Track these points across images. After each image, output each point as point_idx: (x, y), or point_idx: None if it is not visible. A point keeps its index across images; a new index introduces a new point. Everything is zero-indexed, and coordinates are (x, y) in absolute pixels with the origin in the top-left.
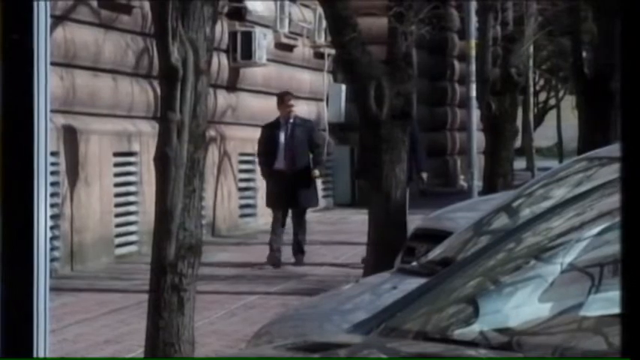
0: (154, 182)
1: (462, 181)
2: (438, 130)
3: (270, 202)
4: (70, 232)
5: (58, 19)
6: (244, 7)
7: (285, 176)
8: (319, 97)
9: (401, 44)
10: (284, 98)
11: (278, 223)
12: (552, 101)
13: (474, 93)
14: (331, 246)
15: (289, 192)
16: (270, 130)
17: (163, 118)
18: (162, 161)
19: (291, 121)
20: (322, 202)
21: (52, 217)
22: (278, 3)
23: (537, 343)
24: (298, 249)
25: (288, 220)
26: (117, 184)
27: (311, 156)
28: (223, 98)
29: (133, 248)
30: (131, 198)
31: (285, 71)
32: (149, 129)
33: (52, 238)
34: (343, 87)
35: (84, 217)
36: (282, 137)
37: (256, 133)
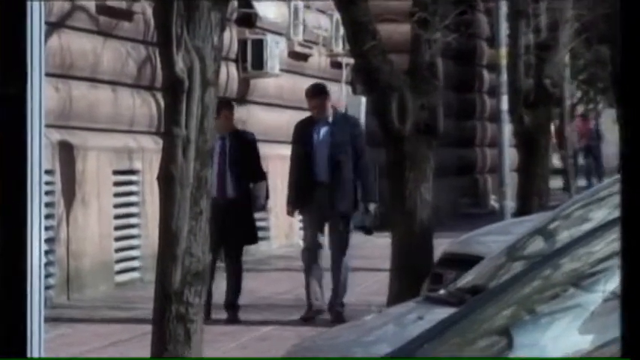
0: (157, 203)
1: (493, 202)
2: (467, 145)
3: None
4: (67, 258)
5: (53, 26)
6: (255, 13)
7: (220, 207)
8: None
9: (425, 53)
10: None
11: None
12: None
13: (505, 105)
14: (351, 272)
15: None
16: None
17: (167, 134)
18: (167, 180)
19: (228, 134)
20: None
21: (47, 240)
22: (292, 8)
23: None
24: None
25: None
26: (117, 205)
27: (251, 186)
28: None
29: (134, 275)
30: (133, 220)
31: (299, 82)
32: (152, 145)
33: (46, 264)
34: (363, 99)
35: (81, 241)
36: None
37: (268, 150)
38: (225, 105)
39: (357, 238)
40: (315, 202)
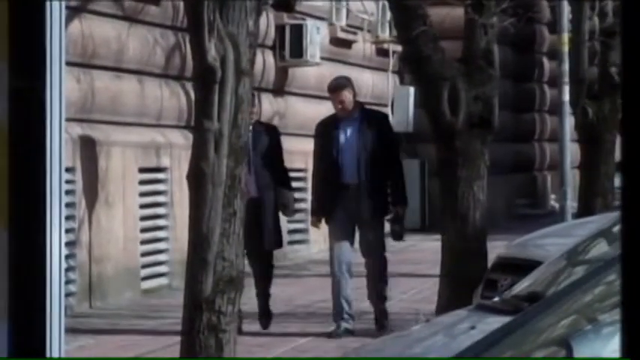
0: (186, 203)
1: (552, 202)
2: (525, 140)
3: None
4: (89, 262)
5: (74, 11)
6: None
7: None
8: (383, 101)
9: (480, 39)
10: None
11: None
12: None
13: (566, 97)
14: (397, 278)
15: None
16: None
17: (198, 128)
18: (197, 178)
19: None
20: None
21: (67, 244)
22: None
23: None
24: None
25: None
26: (143, 206)
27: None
28: (269, 103)
29: (162, 281)
30: (160, 222)
31: (342, 71)
32: (181, 140)
33: (66, 270)
34: (411, 90)
35: (104, 245)
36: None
37: (308, 145)
38: None
39: (404, 241)
40: (344, 208)
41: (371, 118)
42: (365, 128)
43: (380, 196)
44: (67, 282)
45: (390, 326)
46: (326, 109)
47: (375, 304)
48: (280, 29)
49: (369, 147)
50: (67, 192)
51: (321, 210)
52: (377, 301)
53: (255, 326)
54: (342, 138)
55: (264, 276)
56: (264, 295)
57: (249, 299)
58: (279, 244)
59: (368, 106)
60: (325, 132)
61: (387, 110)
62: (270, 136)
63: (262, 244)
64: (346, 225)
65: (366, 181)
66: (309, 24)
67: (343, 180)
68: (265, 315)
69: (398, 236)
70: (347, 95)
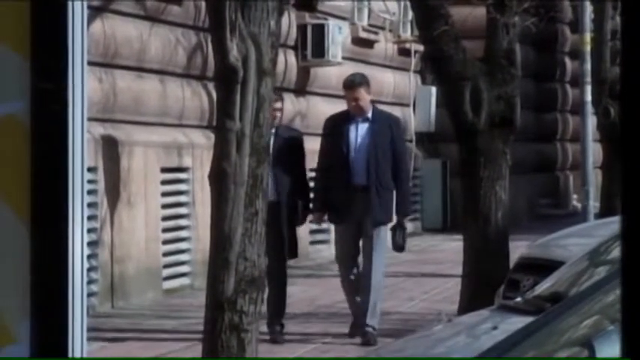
0: (208, 203)
1: (575, 202)
2: (547, 140)
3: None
4: (111, 263)
5: (96, 11)
6: None
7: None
8: (405, 101)
9: (502, 38)
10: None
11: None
12: None
13: (589, 96)
14: (419, 279)
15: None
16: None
17: (220, 128)
18: (219, 178)
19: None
20: (409, 227)
21: (89, 244)
22: None
23: None
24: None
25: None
26: (165, 206)
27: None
28: (291, 103)
29: (184, 281)
30: (182, 222)
31: (364, 71)
32: (203, 140)
33: (89, 270)
34: (433, 90)
35: (126, 245)
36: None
37: None
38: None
39: (426, 241)
40: (352, 211)
41: (384, 120)
42: (377, 129)
43: (388, 201)
44: (89, 282)
45: (375, 339)
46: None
47: (355, 312)
48: (302, 29)
49: (381, 149)
50: (89, 192)
51: (324, 207)
52: (356, 309)
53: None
54: (352, 137)
55: (278, 285)
56: (276, 307)
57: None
58: (294, 254)
59: (381, 107)
60: (335, 128)
61: (409, 110)
62: (293, 141)
63: (277, 249)
64: (352, 228)
65: (376, 184)
66: (331, 24)
67: (352, 181)
68: (273, 325)
69: (399, 247)
70: (363, 93)
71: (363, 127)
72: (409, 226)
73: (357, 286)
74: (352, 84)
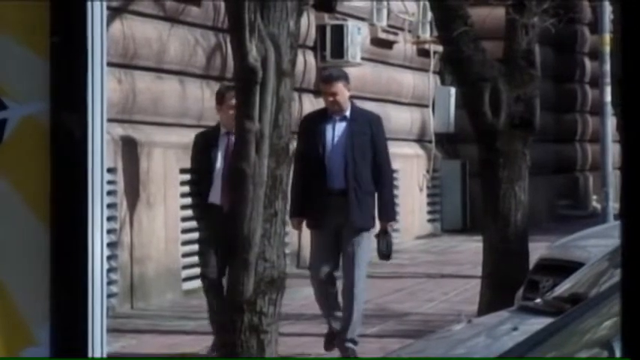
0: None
1: (594, 203)
2: (566, 141)
3: (201, 249)
4: (130, 263)
5: (115, 12)
6: None
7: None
8: (424, 102)
9: (521, 39)
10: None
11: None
12: None
13: (608, 97)
14: (438, 280)
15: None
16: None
17: (239, 128)
18: (239, 179)
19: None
20: (429, 228)
21: (109, 245)
22: None
23: None
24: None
25: None
26: (184, 206)
27: None
28: (310, 104)
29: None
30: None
31: (383, 72)
32: None
33: (108, 271)
34: (452, 90)
35: (146, 246)
36: (218, 156)
37: None
38: (232, 90)
39: (445, 242)
40: (329, 217)
41: (363, 119)
42: (356, 129)
43: (368, 206)
44: (109, 283)
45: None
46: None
47: (333, 326)
48: (321, 30)
49: (360, 150)
50: (109, 193)
51: (302, 213)
52: (335, 323)
53: (297, 327)
54: (329, 137)
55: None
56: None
57: (291, 300)
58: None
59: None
60: (311, 128)
61: (428, 111)
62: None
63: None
64: (331, 235)
65: (355, 187)
66: (350, 24)
67: (329, 184)
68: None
69: (384, 256)
70: (341, 89)
71: (341, 127)
72: (429, 227)
73: (335, 302)
74: (330, 78)
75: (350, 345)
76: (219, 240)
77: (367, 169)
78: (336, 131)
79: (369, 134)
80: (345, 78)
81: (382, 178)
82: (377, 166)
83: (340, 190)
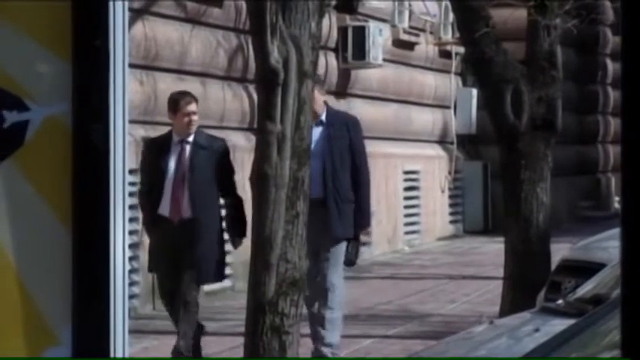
0: (249, 205)
1: (617, 204)
2: (588, 142)
3: (151, 265)
4: None
5: (137, 13)
6: None
7: (172, 228)
8: (446, 103)
9: (543, 40)
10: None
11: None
12: None
13: None
14: (460, 281)
15: (177, 250)
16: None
17: (261, 130)
18: (260, 180)
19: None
20: (450, 229)
21: (131, 246)
22: None
23: None
24: None
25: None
26: None
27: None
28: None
29: (225, 283)
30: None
31: (404, 73)
32: (244, 142)
33: (130, 272)
34: (474, 92)
35: None
36: (171, 165)
37: (371, 147)
38: (186, 97)
39: (467, 243)
40: (308, 227)
41: (340, 122)
42: (333, 133)
43: (348, 215)
44: (131, 284)
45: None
46: (390, 110)
47: (315, 344)
48: (343, 31)
49: (338, 156)
50: (131, 194)
51: None
52: (315, 342)
53: None
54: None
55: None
56: (185, 334)
57: None
58: (219, 276)
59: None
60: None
61: (450, 112)
62: (214, 152)
63: (196, 275)
64: (312, 245)
65: (334, 196)
66: (372, 26)
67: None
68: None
69: (350, 262)
70: (315, 94)
71: (317, 132)
72: (451, 228)
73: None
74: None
75: (324, 349)
76: (170, 254)
77: (346, 175)
78: (313, 137)
79: (347, 138)
80: (318, 83)
81: (360, 182)
82: (355, 170)
83: (319, 199)
